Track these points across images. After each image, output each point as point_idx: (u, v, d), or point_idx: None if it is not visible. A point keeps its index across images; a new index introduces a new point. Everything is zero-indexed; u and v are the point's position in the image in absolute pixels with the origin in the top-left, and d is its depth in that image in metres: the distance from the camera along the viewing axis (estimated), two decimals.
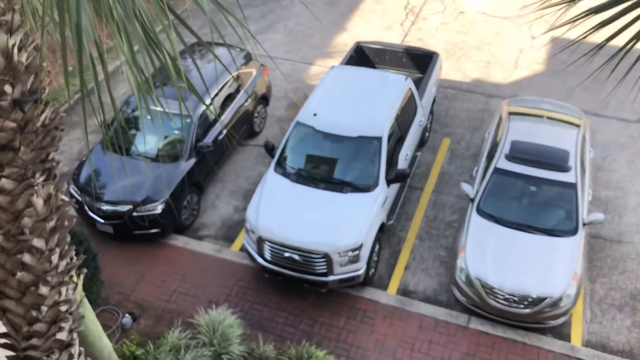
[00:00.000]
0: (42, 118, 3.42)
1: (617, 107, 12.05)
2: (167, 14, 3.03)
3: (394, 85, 9.80)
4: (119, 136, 9.76)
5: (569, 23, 3.55)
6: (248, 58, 11.30)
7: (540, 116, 9.87)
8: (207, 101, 9.97)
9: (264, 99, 11.70)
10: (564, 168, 8.73)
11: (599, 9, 3.36)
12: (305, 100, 10.09)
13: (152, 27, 3.21)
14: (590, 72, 12.74)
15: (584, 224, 8.42)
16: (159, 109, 9.75)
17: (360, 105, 9.41)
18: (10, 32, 3.11)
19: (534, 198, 8.67)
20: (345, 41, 14.27)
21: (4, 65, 3.14)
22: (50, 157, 3.60)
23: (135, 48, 3.24)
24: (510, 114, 9.95)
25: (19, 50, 3.21)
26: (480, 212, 8.67)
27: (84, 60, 3.00)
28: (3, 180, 3.37)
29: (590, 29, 3.75)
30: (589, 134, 10.00)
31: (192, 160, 9.61)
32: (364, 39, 14.34)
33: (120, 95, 12.58)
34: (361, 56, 11.85)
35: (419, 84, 11.54)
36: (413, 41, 14.22)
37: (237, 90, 10.85)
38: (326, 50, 14.04)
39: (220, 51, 11.12)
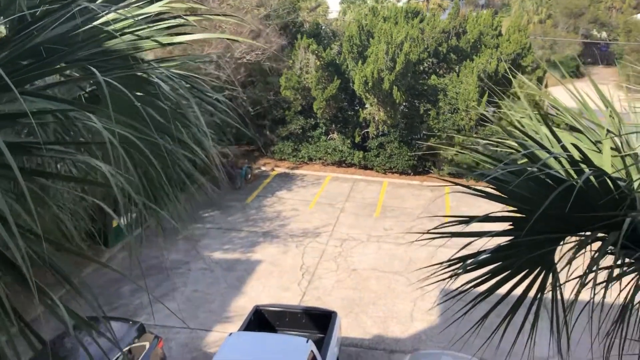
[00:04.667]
0: None
1: (515, 352, 12.37)
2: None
3: (296, 349, 9.59)
4: None
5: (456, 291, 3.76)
6: (141, 331, 10.79)
7: None
8: None
9: None
10: None
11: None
12: None
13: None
14: (480, 318, 13.32)
15: None
16: None
17: None
18: None
19: None
20: (245, 305, 14.20)
21: None
22: None
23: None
24: None
25: None
26: None
27: None
28: None
29: (471, 280, 4.01)
30: None
31: None
32: (263, 301, 14.35)
33: None
34: (261, 319, 11.72)
35: (321, 344, 11.38)
36: (311, 300, 14.44)
37: None
38: (225, 315, 13.81)
39: (112, 325, 10.63)
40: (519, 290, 3.85)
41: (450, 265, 3.60)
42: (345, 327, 13.34)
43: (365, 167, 24.27)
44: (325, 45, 24.98)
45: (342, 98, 23.65)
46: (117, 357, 9.85)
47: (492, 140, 4.08)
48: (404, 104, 22.78)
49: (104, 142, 2.28)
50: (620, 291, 3.42)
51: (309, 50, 22.90)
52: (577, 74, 38.75)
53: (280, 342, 9.84)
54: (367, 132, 23.74)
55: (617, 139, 3.32)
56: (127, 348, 10.16)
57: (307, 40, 23.15)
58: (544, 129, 3.38)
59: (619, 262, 3.00)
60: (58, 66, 2.54)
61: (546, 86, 22.02)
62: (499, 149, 3.77)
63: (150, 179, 3.51)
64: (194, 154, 3.28)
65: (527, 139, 3.31)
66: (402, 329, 13.40)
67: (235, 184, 22.24)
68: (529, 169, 3.07)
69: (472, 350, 12.36)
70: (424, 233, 3.59)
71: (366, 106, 23.19)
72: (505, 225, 3.37)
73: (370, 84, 21.64)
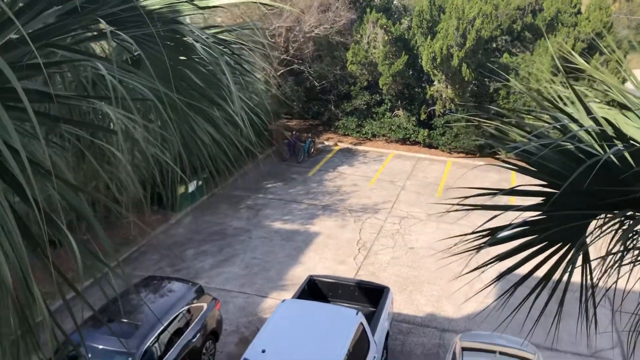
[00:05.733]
0: None
1: (570, 341, 12.08)
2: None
3: (345, 320, 9.75)
4: None
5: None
6: (199, 292, 11.27)
7: (493, 352, 9.77)
8: (154, 337, 9.67)
9: (214, 334, 11.38)
10: None
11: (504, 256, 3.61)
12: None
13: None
14: (540, 305, 13.00)
15: None
16: (100, 346, 9.33)
17: (310, 341, 9.21)
18: None
19: None
20: (300, 274, 14.51)
21: None
22: None
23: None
24: (464, 349, 9.83)
25: None
26: None
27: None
28: None
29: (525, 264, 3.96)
30: None
31: None
32: (318, 272, 14.62)
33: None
34: (314, 289, 11.96)
35: (372, 318, 11.51)
36: (365, 275, 14.57)
37: (187, 325, 10.60)
38: (281, 283, 14.17)
39: (173, 285, 11.19)
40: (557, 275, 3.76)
41: (481, 237, 3.58)
42: (399, 304, 13.40)
43: (430, 146, 23.95)
44: (395, 19, 24.62)
45: (409, 74, 23.33)
46: (177, 315, 10.37)
47: (527, 114, 3.99)
48: (473, 82, 22.21)
49: (128, 98, 2.42)
50: None
51: (378, 25, 22.66)
52: None
53: (331, 311, 10.02)
54: (434, 110, 23.36)
55: None
56: (186, 307, 10.66)
57: (376, 14, 22.90)
58: (593, 106, 3.28)
59: None
60: (86, 20, 2.67)
61: (625, 70, 20.82)
62: (536, 122, 3.68)
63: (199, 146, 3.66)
64: (235, 123, 3.39)
65: (561, 113, 3.22)
66: (455, 309, 13.32)
67: (298, 157, 22.53)
68: (560, 142, 3.01)
69: (525, 335, 12.18)
70: (454, 204, 3.59)
71: (434, 83, 22.78)
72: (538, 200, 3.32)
73: (438, 60, 21.22)
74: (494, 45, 23.48)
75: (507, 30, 23.15)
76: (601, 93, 4.15)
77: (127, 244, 15.32)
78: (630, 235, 2.84)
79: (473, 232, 3.55)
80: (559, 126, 3.17)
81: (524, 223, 3.30)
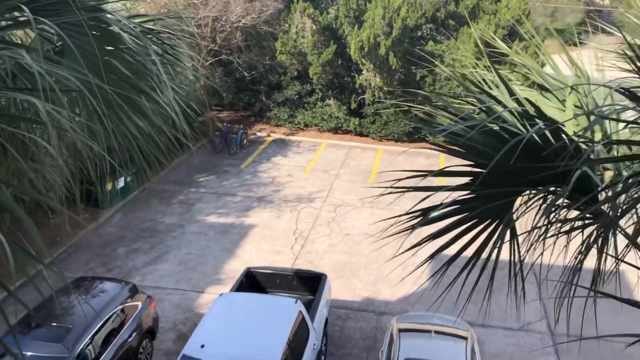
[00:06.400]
0: None
1: (501, 316, 12.64)
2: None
3: (284, 309, 9.78)
4: None
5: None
6: (133, 291, 10.99)
7: (429, 331, 10.09)
8: (87, 340, 9.37)
9: (150, 333, 11.14)
10: None
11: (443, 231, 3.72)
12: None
13: None
14: (472, 283, 13.52)
15: None
16: (29, 353, 8.93)
17: (250, 333, 9.19)
18: None
19: None
20: (237, 267, 14.41)
21: None
22: None
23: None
24: (400, 331, 10.09)
25: None
26: None
27: None
28: None
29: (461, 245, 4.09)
30: (477, 345, 10.24)
31: None
32: (256, 264, 14.56)
33: None
34: (252, 281, 11.92)
35: (310, 305, 11.61)
36: (303, 264, 14.64)
37: (122, 325, 10.31)
38: (218, 278, 14.02)
39: (105, 285, 10.88)
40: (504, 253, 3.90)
41: (413, 218, 3.69)
42: (336, 290, 13.56)
43: (361, 134, 24.28)
44: (322, 9, 24.70)
45: (338, 64, 23.51)
46: (111, 315, 10.08)
47: (453, 97, 4.13)
48: (400, 70, 22.65)
49: (50, 89, 2.31)
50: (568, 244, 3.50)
51: (305, 14, 22.66)
52: (578, 42, 38.31)
53: (270, 302, 10.03)
54: (363, 98, 23.67)
55: (583, 98, 3.37)
56: (119, 307, 10.36)
57: (303, 3, 22.89)
58: (515, 88, 3.43)
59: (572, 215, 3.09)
60: (4, 6, 2.51)
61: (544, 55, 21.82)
62: (462, 105, 3.82)
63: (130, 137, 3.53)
64: (166, 113, 3.30)
65: (488, 97, 3.36)
66: (392, 292, 13.63)
67: (231, 149, 22.29)
68: (487, 124, 3.13)
69: (459, 312, 12.63)
70: (386, 187, 3.67)
71: (362, 72, 23.06)
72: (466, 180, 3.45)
73: (366, 49, 21.48)
74: (419, 33, 24.00)
75: (431, 19, 23.72)
76: (522, 76, 4.33)
77: (53, 245, 14.69)
78: (552, 209, 3.00)
79: (407, 213, 3.65)
80: (484, 108, 3.30)
81: (454, 202, 3.42)
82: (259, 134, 24.76)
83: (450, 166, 3.46)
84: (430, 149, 3.69)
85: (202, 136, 22.33)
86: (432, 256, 3.82)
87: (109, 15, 2.75)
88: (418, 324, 10.36)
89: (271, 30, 23.43)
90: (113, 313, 10.15)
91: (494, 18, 22.25)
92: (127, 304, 10.63)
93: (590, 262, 4.01)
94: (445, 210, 3.42)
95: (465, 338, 9.91)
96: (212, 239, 15.87)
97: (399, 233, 3.63)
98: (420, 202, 3.72)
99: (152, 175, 18.70)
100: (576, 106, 3.32)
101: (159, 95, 3.10)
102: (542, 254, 3.84)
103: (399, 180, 3.71)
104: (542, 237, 3.11)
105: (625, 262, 3.08)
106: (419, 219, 3.64)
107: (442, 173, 3.33)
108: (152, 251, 15.11)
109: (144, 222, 16.63)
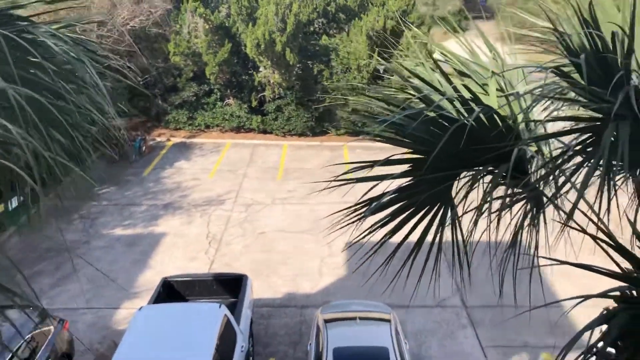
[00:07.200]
0: None
1: (418, 295, 13.14)
2: None
3: (209, 315, 9.59)
4: None
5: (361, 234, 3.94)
6: (42, 316, 10.30)
7: (354, 318, 10.31)
8: None
9: (67, 357, 10.53)
10: None
11: (384, 223, 3.82)
12: (115, 348, 9.29)
13: None
14: (387, 267, 13.98)
15: None
16: None
17: (176, 343, 8.92)
18: None
19: None
20: (152, 279, 13.90)
21: None
22: None
23: None
24: (326, 321, 10.22)
25: None
26: None
27: None
28: None
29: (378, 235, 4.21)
30: (400, 326, 10.60)
31: None
32: (171, 273, 14.13)
33: None
34: (170, 291, 11.57)
35: (234, 308, 11.47)
36: (220, 267, 14.42)
37: (34, 353, 9.65)
38: (133, 292, 13.48)
39: (9, 314, 10.11)
40: (417, 235, 4.06)
41: (355, 211, 3.76)
42: (257, 289, 13.48)
43: (265, 132, 24.22)
44: (213, 8, 24.32)
45: (234, 62, 23.28)
46: (19, 347, 9.41)
47: (389, 90, 4.24)
48: (297, 65, 22.81)
49: None
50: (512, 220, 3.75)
51: (197, 14, 22.21)
52: (459, 29, 40.44)
53: (192, 310, 9.80)
54: (264, 95, 23.61)
55: (500, 81, 3.59)
56: (28, 335, 9.69)
57: (193, 3, 22.42)
58: (437, 76, 3.58)
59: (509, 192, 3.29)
60: None
61: (427, 44, 22.83)
62: (399, 95, 3.93)
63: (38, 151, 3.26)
64: (92, 121, 3.11)
65: (424, 84, 3.49)
66: (311, 285, 13.77)
67: (129, 157, 21.42)
68: (425, 112, 3.25)
69: (379, 297, 13.01)
70: (329, 181, 3.72)
71: (260, 69, 22.99)
72: (406, 168, 3.57)
73: (262, 46, 21.44)
74: (312, 28, 24.29)
75: (322, 13, 24.08)
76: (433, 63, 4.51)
77: None
78: (491, 187, 3.17)
79: (357, 204, 3.70)
80: (423, 97, 3.41)
81: (398, 190, 3.52)
82: (158, 139, 24.00)
83: (395, 154, 3.54)
84: (379, 141, 3.74)
85: (102, 146, 21.27)
86: (381, 244, 3.90)
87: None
88: (342, 313, 10.55)
89: (161, 31, 22.74)
90: (22, 343, 9.47)
91: (382, 9, 22.96)
92: (37, 331, 9.96)
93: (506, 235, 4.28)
94: (389, 197, 3.51)
95: (388, 320, 10.22)
96: (120, 252, 15.22)
97: (344, 227, 3.67)
98: (345, 194, 3.80)
99: (47, 192, 17.60)
100: (498, 89, 3.53)
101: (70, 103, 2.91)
102: (455, 233, 4.01)
103: (348, 172, 3.74)
104: (482, 215, 3.27)
105: (575, 228, 3.15)
106: (360, 211, 3.71)
107: (387, 162, 3.42)
108: (57, 272, 14.24)
109: (44, 242, 15.59)
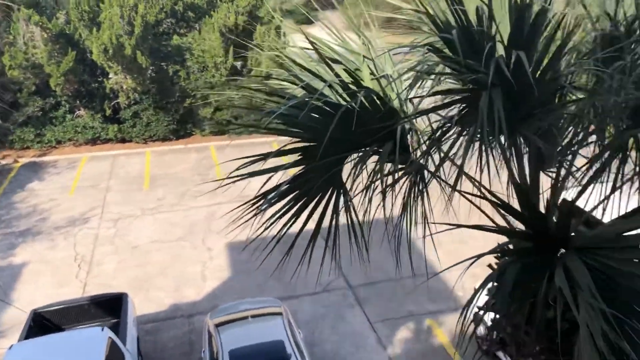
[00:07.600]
0: None
1: (303, 284, 13.33)
2: None
3: (91, 341, 8.98)
4: None
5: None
6: None
7: (245, 317, 10.20)
8: None
9: None
10: (284, 357, 9.01)
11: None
12: None
13: None
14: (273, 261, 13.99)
15: None
16: None
17: None
18: None
19: None
20: (18, 314, 12.65)
21: None
22: None
23: None
24: (217, 325, 10.02)
25: None
26: None
27: None
28: None
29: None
30: (292, 317, 10.68)
31: None
32: (40, 303, 13.01)
33: None
34: (43, 324, 10.64)
35: (118, 329, 10.85)
36: (95, 289, 13.52)
37: None
38: None
39: None
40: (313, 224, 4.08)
41: (254, 205, 3.69)
42: (139, 306, 12.84)
43: (124, 140, 23.03)
44: (50, 15, 22.58)
45: (82, 70, 21.83)
46: None
47: (266, 83, 4.20)
48: (151, 68, 21.94)
49: None
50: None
51: (32, 22, 20.48)
52: (308, 20, 41.39)
53: (73, 338, 9.10)
54: (118, 103, 22.43)
55: (371, 65, 3.72)
56: None
57: (26, 11, 20.64)
58: (314, 63, 3.61)
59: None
60: None
61: (284, 34, 23.15)
62: (280, 85, 3.91)
63: None
64: None
65: (304, 71, 3.50)
66: (196, 291, 13.40)
67: None
68: (307, 100, 3.27)
69: (268, 292, 13.00)
70: (223, 179, 3.61)
71: (110, 76, 21.79)
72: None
73: (110, 51, 20.32)
74: (161, 29, 23.48)
75: (171, 13, 23.37)
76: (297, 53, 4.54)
77: None
78: (380, 167, 3.27)
79: (254, 198, 3.61)
80: (305, 86, 3.41)
81: (292, 180, 3.50)
82: (3, 162, 21.88)
83: (286, 144, 3.51)
84: (268, 134, 3.66)
85: None
86: (279, 239, 3.86)
87: None
88: (232, 314, 10.39)
89: None
90: None
91: (232, 5, 22.77)
92: None
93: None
94: (285, 187, 3.48)
95: (280, 314, 10.25)
96: None
97: (240, 225, 3.58)
98: (242, 190, 3.74)
99: None
100: (370, 73, 3.64)
101: None
102: (333, 218, 4.06)
103: (240, 168, 3.61)
104: (374, 192, 3.36)
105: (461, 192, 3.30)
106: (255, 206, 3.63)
107: (280, 152, 3.37)
108: None
109: None
